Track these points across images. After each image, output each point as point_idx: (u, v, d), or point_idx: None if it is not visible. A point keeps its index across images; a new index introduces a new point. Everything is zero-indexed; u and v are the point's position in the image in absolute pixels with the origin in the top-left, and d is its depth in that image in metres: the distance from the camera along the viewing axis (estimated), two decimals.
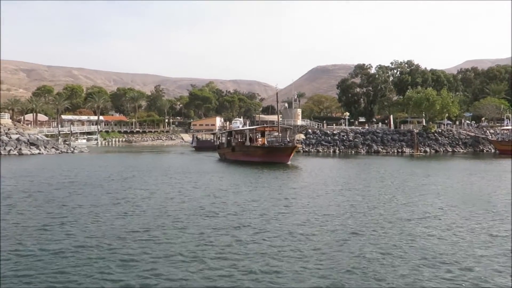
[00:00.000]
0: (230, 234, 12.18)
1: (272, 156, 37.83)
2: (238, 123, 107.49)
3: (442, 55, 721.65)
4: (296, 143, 40.72)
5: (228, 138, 47.47)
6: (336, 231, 12.46)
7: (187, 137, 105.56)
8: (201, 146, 72.59)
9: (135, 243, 11.21)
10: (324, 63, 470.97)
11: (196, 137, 78.97)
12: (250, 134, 44.75)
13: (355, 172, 30.45)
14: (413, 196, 19.14)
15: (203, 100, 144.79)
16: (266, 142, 43.46)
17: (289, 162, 37.83)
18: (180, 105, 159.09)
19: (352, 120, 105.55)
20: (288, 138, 43.63)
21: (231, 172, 30.35)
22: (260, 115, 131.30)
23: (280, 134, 41.67)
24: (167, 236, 11.91)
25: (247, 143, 41.99)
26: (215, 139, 78.38)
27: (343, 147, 64.40)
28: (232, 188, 21.25)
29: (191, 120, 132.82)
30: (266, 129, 46.71)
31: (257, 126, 52.76)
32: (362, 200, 17.74)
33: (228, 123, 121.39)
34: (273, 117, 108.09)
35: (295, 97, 74.41)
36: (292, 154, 38.78)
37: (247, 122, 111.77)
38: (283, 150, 38.25)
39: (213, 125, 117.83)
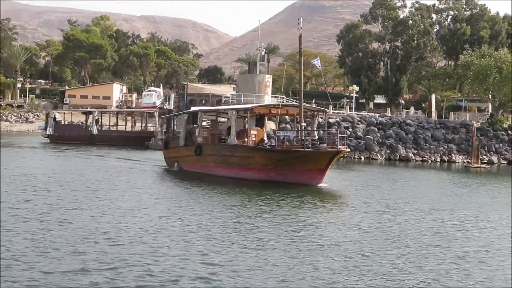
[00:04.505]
0: None
1: (289, 171, 36.61)
2: (154, 97, 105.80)
3: None
4: (341, 141, 39.44)
5: (188, 127, 45.75)
6: None
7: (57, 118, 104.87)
8: (61, 135, 74.78)
9: None
10: None
11: (54, 119, 78.73)
12: (238, 123, 40.78)
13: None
14: None
15: (91, 50, 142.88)
16: (267, 139, 42.41)
17: (321, 184, 36.82)
18: (47, 59, 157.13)
19: (363, 101, 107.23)
20: (317, 133, 41.25)
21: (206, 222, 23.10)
22: (198, 84, 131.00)
23: (304, 124, 39.06)
24: None
25: (232, 139, 39.55)
26: (90, 123, 78.69)
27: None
28: None
29: (66, 87, 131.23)
30: (271, 111, 43.89)
31: (253, 105, 49.08)
32: None
33: (135, 95, 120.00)
34: (223, 89, 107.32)
35: (262, 53, 73.96)
36: (330, 166, 37.53)
37: (172, 96, 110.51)
38: (312, 158, 36.43)
39: (107, 97, 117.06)
